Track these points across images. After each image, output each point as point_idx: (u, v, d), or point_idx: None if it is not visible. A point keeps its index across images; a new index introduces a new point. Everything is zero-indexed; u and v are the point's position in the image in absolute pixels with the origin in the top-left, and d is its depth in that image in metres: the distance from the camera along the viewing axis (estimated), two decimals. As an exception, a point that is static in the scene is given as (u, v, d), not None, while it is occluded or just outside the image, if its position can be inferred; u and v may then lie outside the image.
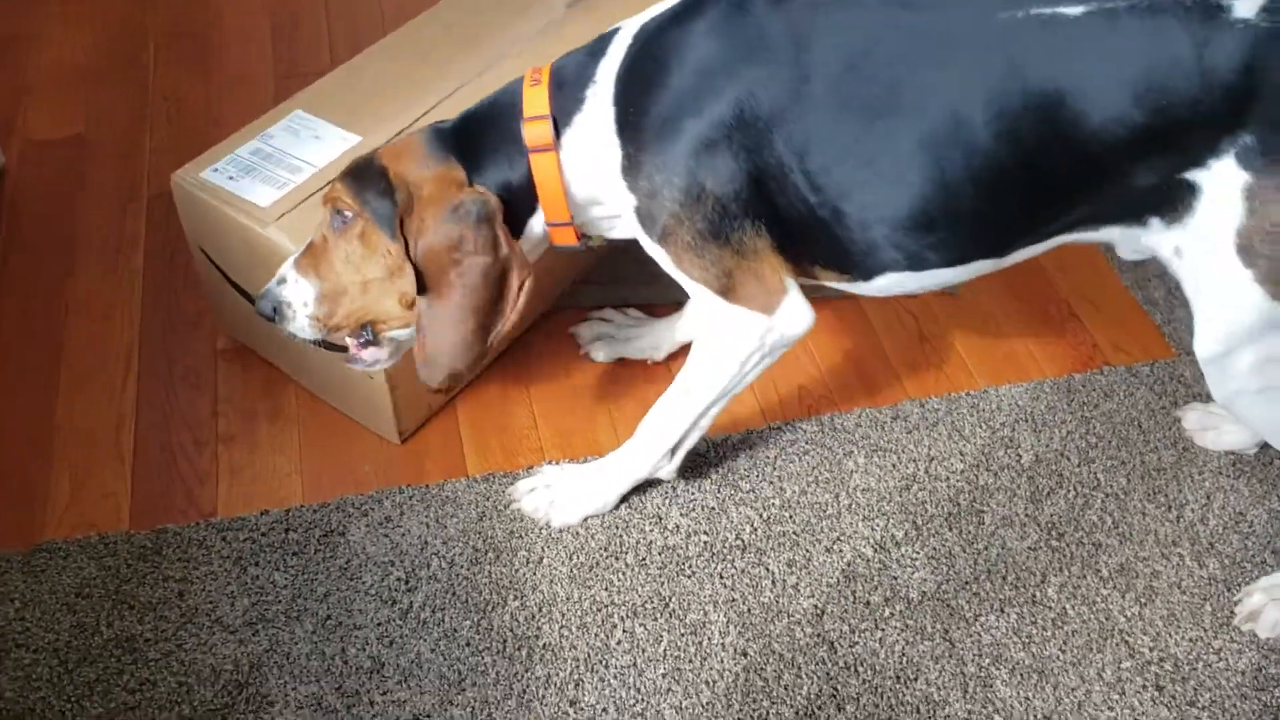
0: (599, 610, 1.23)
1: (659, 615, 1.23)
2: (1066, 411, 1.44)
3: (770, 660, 1.20)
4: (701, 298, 1.17)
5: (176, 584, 1.25)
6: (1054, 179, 1.05)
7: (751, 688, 1.18)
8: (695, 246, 1.12)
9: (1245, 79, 0.96)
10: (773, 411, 1.43)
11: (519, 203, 1.15)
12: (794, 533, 1.30)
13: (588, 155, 1.13)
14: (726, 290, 1.15)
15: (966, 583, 1.27)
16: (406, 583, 1.26)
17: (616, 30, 1.14)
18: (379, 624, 1.22)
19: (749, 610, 1.23)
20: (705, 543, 1.29)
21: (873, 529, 1.31)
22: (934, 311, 1.56)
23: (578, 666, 1.19)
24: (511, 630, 1.22)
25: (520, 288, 1.13)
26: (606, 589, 1.25)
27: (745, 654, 1.20)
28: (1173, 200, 1.04)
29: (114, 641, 1.20)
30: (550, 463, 1.37)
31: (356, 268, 1.14)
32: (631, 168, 1.11)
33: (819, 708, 1.17)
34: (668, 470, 1.30)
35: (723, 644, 1.21)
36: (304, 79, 1.87)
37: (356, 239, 1.13)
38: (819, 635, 1.22)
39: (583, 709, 1.16)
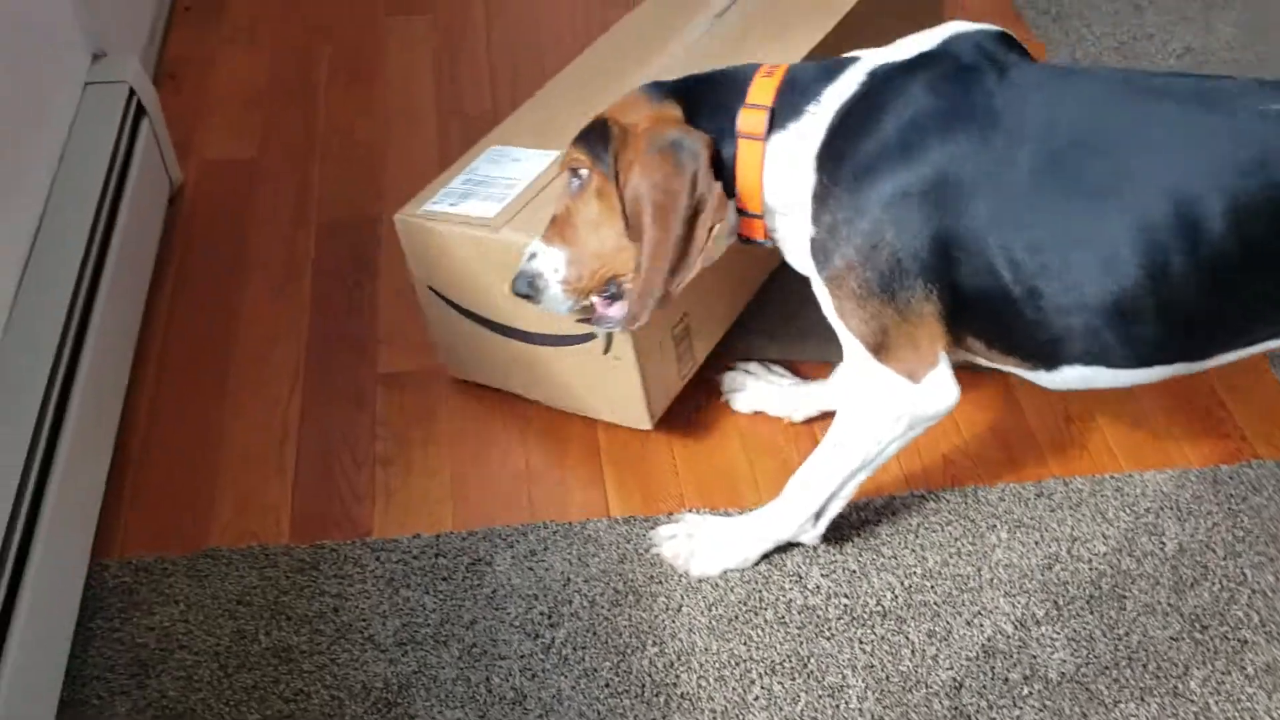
0: (737, 664, 1.25)
1: (797, 675, 1.24)
2: (1213, 503, 1.42)
3: (907, 729, 1.20)
4: (852, 351, 1.18)
5: (332, 599, 1.30)
6: None
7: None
8: (860, 295, 1.13)
9: None
10: (916, 479, 1.44)
11: (726, 178, 1.16)
12: (935, 603, 1.30)
13: (787, 165, 1.14)
14: (879, 348, 1.16)
15: (1106, 668, 1.26)
16: (549, 618, 1.29)
17: (855, 60, 1.16)
18: (522, 656, 1.25)
19: (887, 678, 1.24)
20: (845, 605, 1.30)
21: (1014, 605, 1.31)
22: (1079, 390, 1.55)
23: (715, 719, 1.21)
24: (650, 676, 1.24)
25: (710, 230, 1.14)
26: (745, 643, 1.27)
27: (883, 721, 1.21)
28: None
29: (272, 650, 1.25)
30: (694, 511, 1.40)
31: (596, 224, 1.19)
32: (820, 197, 1.12)
33: (955, 782, 1.17)
34: (811, 536, 1.31)
35: (860, 709, 1.22)
36: (465, 116, 1.96)
37: (593, 195, 1.18)
38: (956, 709, 1.22)
39: (718, 760, 1.18)
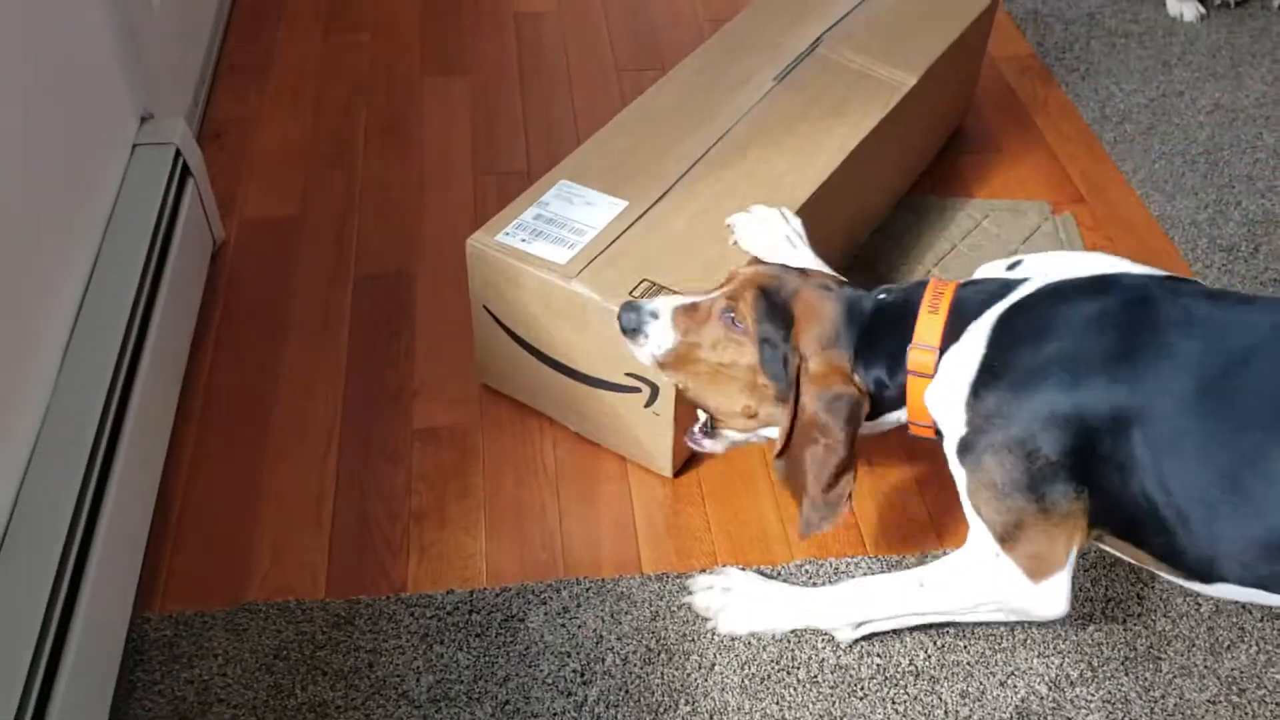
0: (770, 723, 1.25)
1: (830, 734, 1.24)
2: (1249, 562, 1.41)
3: (941, 792, 1.20)
4: (976, 533, 1.18)
5: (367, 654, 1.31)
6: None
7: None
8: (999, 489, 1.13)
9: None
10: (948, 536, 1.44)
11: (887, 401, 1.24)
12: (968, 663, 1.30)
13: (951, 381, 1.18)
14: (1005, 539, 1.15)
15: (1142, 731, 1.25)
16: (582, 675, 1.30)
17: (1025, 280, 1.19)
18: (555, 714, 1.26)
19: (921, 738, 1.24)
20: (878, 665, 1.30)
21: (1048, 666, 1.30)
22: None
23: (747, 777, 1.21)
24: (682, 733, 1.25)
25: (848, 491, 1.22)
26: (778, 703, 1.27)
27: (916, 783, 1.20)
28: None
29: (308, 705, 1.26)
30: (739, 567, 1.40)
31: (720, 362, 1.26)
32: (975, 401, 1.15)
33: (990, 847, 1.16)
34: (846, 635, 1.31)
35: (893, 770, 1.21)
36: (499, 175, 2.00)
37: (734, 343, 1.25)
38: (991, 771, 1.21)
39: (751, 821, 1.18)
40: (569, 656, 1.31)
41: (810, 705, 1.26)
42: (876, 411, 1.25)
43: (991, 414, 1.13)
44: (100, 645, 1.22)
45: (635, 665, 1.31)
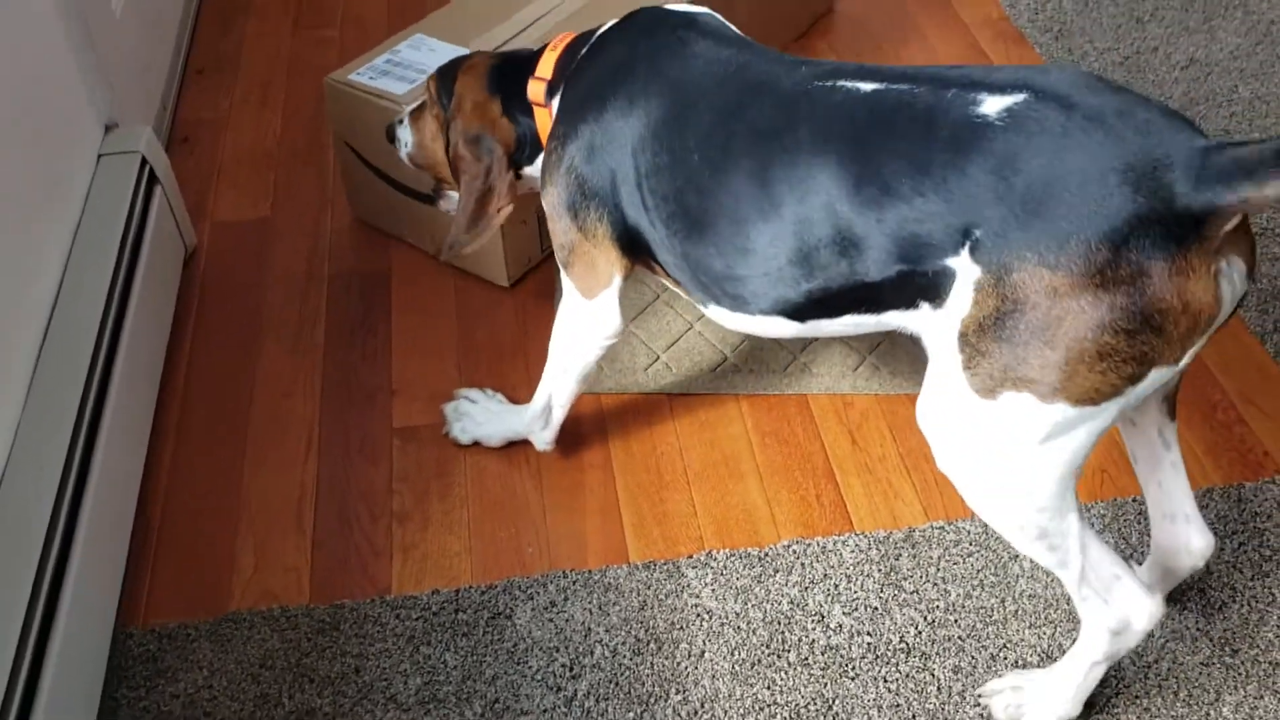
0: (761, 709, 1.24)
1: (822, 717, 1.23)
2: (1238, 522, 1.40)
3: (936, 769, 1.19)
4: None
5: (353, 659, 1.30)
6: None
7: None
8: (552, 211, 1.31)
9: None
10: (935, 509, 1.43)
11: (529, 143, 1.40)
12: (959, 637, 1.29)
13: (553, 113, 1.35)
14: (565, 264, 1.33)
15: (1137, 697, 1.24)
16: (571, 670, 1.29)
17: (602, 26, 1.35)
18: (544, 710, 1.25)
19: (914, 716, 1.23)
20: (869, 644, 1.29)
21: (1039, 637, 1.29)
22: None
23: (740, 764, 1.20)
24: (674, 723, 1.24)
25: (498, 210, 1.41)
26: (769, 688, 1.26)
27: (910, 762, 1.19)
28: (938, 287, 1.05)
29: (295, 714, 1.25)
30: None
31: (430, 137, 1.49)
32: (552, 134, 1.31)
33: (986, 822, 1.15)
34: (541, 439, 1.50)
35: (887, 750, 1.20)
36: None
37: (432, 120, 1.48)
38: (985, 746, 1.20)
39: (745, 808, 1.17)
40: (557, 651, 1.30)
41: (802, 688, 1.26)
42: (526, 155, 1.41)
43: (553, 144, 1.30)
44: (81, 664, 1.21)
45: (624, 657, 1.30)
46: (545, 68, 1.37)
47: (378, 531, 1.44)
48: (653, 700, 1.25)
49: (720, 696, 1.25)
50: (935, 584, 1.34)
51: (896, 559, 1.37)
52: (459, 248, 1.43)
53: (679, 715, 1.24)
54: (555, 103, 1.34)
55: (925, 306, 1.07)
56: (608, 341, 1.38)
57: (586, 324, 1.36)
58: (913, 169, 1.01)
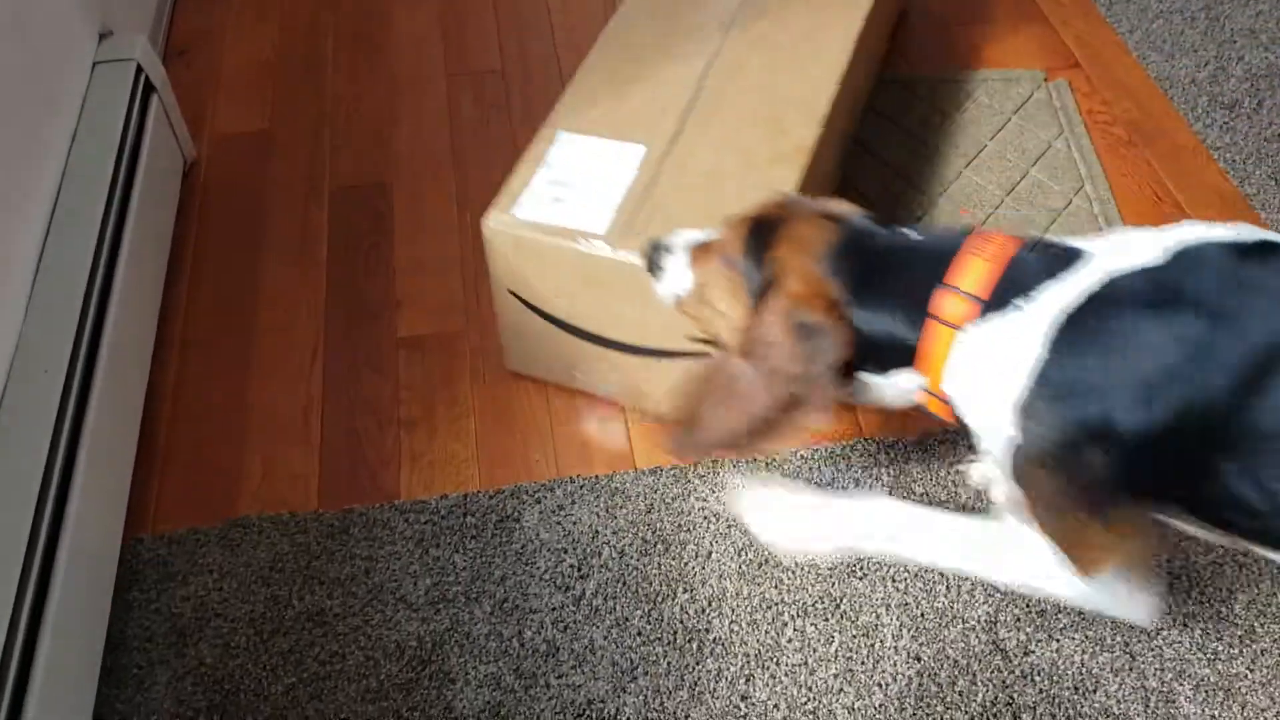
0: (769, 608, 1.24)
1: (830, 615, 1.23)
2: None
3: (944, 666, 1.19)
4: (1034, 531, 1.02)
5: (363, 562, 1.30)
6: None
7: (925, 692, 1.17)
8: (1053, 504, 0.99)
9: None
10: (944, 414, 1.42)
11: (886, 353, 1.03)
12: (968, 537, 1.28)
13: (984, 364, 0.99)
14: (1064, 544, 1.01)
15: (1147, 595, 1.24)
16: (579, 570, 1.29)
17: (1081, 254, 0.98)
18: (553, 609, 1.25)
19: (922, 615, 1.23)
20: (877, 544, 1.29)
21: (1049, 536, 1.28)
22: None
23: (748, 662, 1.20)
24: (682, 623, 1.24)
25: (802, 424, 1.05)
26: (776, 587, 1.26)
27: (919, 659, 1.19)
28: None
29: (305, 615, 1.26)
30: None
31: (715, 291, 1.13)
32: (1029, 410, 0.96)
33: (995, 715, 1.15)
34: (872, 549, 1.13)
35: (895, 647, 1.20)
36: (474, 76, 1.94)
37: (727, 289, 1.11)
38: (994, 643, 1.20)
39: (754, 704, 1.17)
40: (565, 552, 1.30)
41: (809, 587, 1.25)
42: (866, 362, 1.04)
43: (1044, 424, 0.96)
44: (92, 568, 1.21)
45: (632, 557, 1.29)
46: (974, 281, 0.98)
47: (385, 440, 1.44)
48: (660, 599, 1.26)
49: (728, 595, 1.25)
50: (945, 487, 1.33)
51: (906, 461, 1.36)
52: (727, 444, 1.09)
53: (686, 613, 1.24)
54: (992, 350, 0.98)
55: None
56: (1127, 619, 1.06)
57: (1073, 595, 1.04)
58: None
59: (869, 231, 1.06)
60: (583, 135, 1.37)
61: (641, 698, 1.18)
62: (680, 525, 1.32)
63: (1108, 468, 0.94)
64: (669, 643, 1.22)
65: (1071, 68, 1.90)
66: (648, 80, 1.44)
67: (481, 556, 1.30)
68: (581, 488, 1.37)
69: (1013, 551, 1.05)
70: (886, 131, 1.78)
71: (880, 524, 1.10)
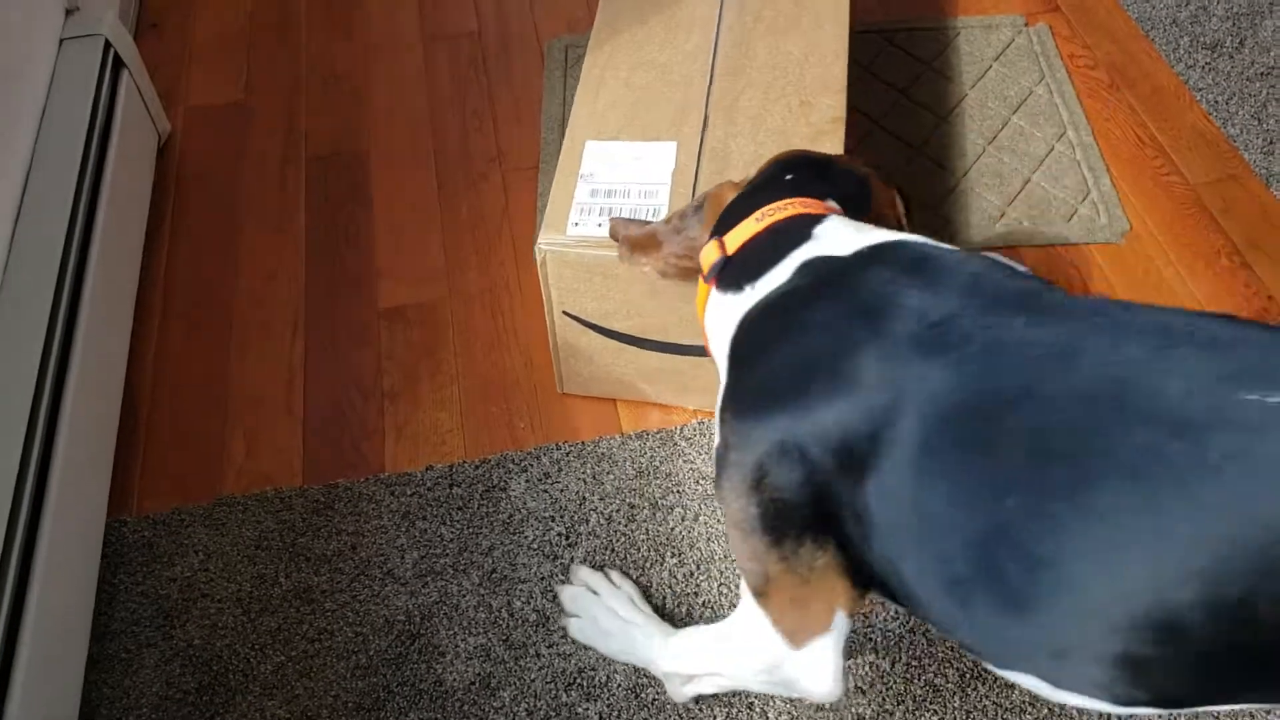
0: (758, 568, 1.24)
1: (818, 574, 1.23)
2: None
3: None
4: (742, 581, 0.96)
5: (349, 537, 1.30)
6: None
7: (916, 647, 1.17)
8: (742, 529, 0.90)
9: None
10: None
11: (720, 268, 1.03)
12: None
13: (718, 326, 1.00)
14: (759, 592, 0.92)
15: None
16: (567, 538, 1.28)
17: (808, 239, 0.94)
18: (542, 578, 1.25)
19: (910, 571, 1.22)
20: (864, 502, 1.28)
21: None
22: (1095, 261, 1.51)
23: (738, 624, 1.20)
24: (670, 587, 1.24)
25: (643, 263, 1.17)
26: (765, 547, 1.25)
27: (909, 616, 1.19)
28: None
29: (293, 592, 1.25)
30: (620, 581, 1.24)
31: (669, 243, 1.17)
32: (726, 403, 0.93)
33: (979, 675, 1.15)
34: (677, 693, 1.13)
35: (883, 604, 1.20)
36: (451, 40, 1.91)
37: (675, 229, 1.16)
38: (982, 597, 1.20)
39: (744, 666, 1.17)
40: (553, 520, 1.30)
41: (797, 548, 1.25)
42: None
43: (732, 431, 0.90)
44: (75, 551, 1.21)
45: (619, 524, 1.29)
46: (736, 238, 1.00)
47: (369, 412, 1.43)
48: (648, 564, 1.25)
49: (716, 558, 1.25)
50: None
51: (892, 418, 1.35)
52: (620, 249, 1.18)
53: (675, 577, 1.24)
54: (721, 315, 0.98)
55: None
56: (820, 699, 0.94)
57: (785, 674, 0.94)
58: None
59: (760, 184, 1.07)
60: (610, 141, 1.33)
61: (632, 664, 1.18)
62: (668, 489, 1.32)
63: (774, 483, 0.85)
64: (658, 607, 1.22)
65: (1052, 11, 1.87)
66: (656, 75, 1.40)
67: (469, 527, 1.30)
68: (568, 454, 1.36)
69: (737, 632, 0.97)
70: (865, 82, 1.75)
71: (674, 666, 1.11)
